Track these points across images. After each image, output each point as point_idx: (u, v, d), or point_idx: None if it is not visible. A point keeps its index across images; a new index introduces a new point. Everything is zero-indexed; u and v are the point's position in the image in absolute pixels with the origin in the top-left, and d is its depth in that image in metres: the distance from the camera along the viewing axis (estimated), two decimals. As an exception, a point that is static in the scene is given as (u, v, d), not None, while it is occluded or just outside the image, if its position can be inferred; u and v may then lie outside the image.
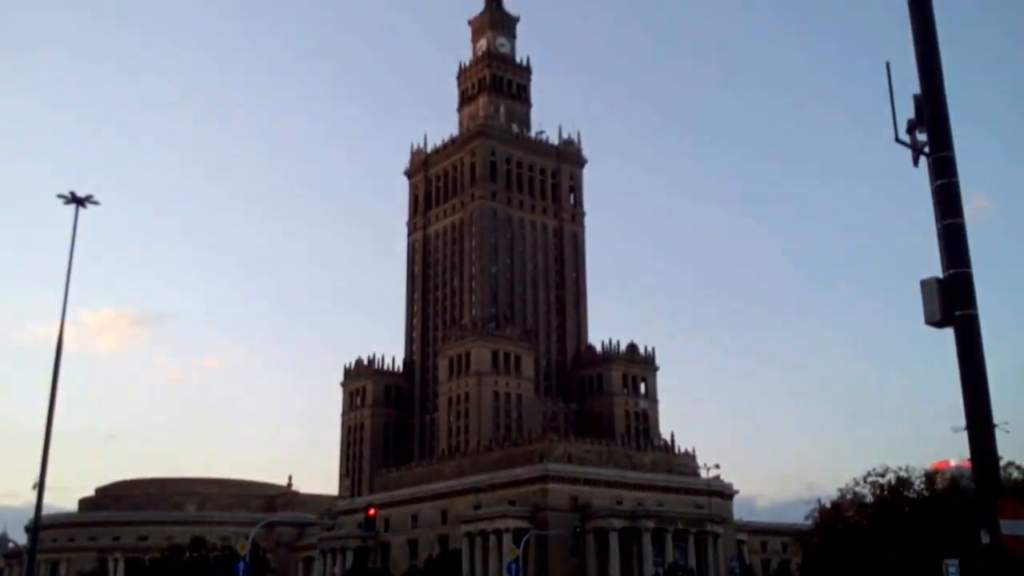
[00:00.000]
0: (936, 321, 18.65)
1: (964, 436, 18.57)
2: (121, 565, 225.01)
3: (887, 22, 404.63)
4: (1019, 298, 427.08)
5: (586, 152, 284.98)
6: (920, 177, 19.36)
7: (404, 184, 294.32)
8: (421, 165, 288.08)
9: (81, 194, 52.94)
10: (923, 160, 19.31)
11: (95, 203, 53.11)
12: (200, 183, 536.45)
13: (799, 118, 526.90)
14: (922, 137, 19.29)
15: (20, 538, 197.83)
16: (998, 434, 18.42)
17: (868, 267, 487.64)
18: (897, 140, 19.28)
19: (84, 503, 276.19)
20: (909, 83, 19.34)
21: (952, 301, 18.47)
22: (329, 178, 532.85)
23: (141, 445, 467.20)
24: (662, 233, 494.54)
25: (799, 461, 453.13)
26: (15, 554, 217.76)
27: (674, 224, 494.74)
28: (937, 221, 18.92)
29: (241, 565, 73.12)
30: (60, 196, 52.93)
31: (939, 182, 18.98)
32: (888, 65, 19.50)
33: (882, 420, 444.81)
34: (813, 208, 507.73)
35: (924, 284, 18.89)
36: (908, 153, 19.34)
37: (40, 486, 50.33)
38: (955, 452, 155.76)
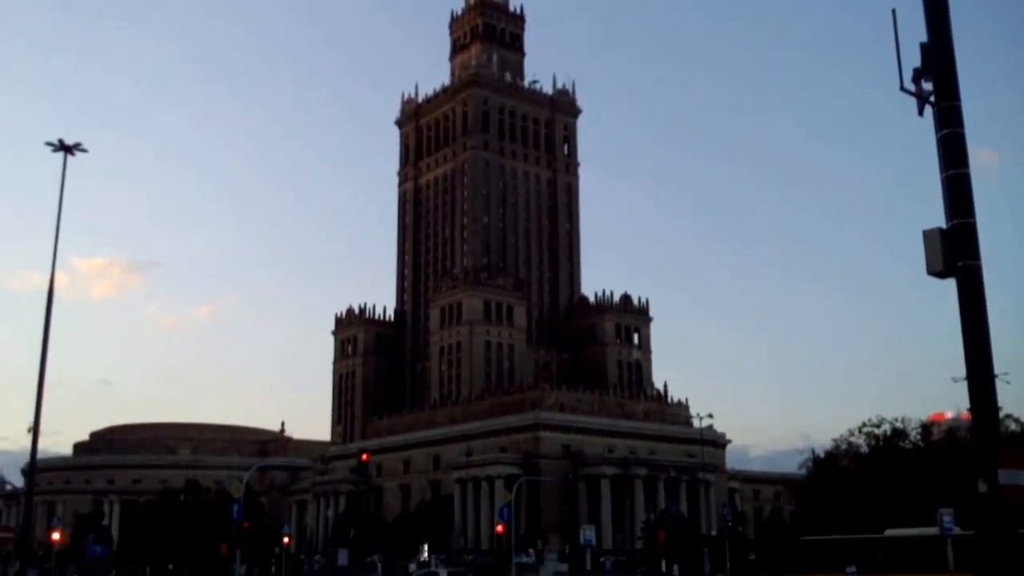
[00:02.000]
0: (938, 271, 18.40)
1: (962, 387, 18.43)
2: (117, 507, 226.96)
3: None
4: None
5: (580, 102, 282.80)
6: (925, 127, 19.15)
7: (395, 134, 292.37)
8: (412, 115, 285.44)
9: (70, 142, 52.19)
10: (928, 110, 19.04)
11: (83, 151, 52.28)
12: (189, 130, 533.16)
13: (801, 66, 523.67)
14: (928, 86, 19.02)
15: (16, 480, 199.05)
16: (998, 385, 18.37)
17: (866, 216, 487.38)
18: (902, 88, 18.98)
19: (78, 447, 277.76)
20: (916, 31, 19.06)
21: (955, 251, 18.24)
22: (320, 127, 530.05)
23: (135, 391, 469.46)
24: (657, 183, 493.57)
25: (794, 412, 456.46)
26: (12, 495, 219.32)
27: (669, 173, 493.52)
28: (941, 171, 18.68)
29: (236, 508, 73.44)
30: (48, 144, 52.14)
31: (944, 131, 18.70)
32: (894, 12, 19.18)
33: (878, 371, 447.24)
34: (812, 157, 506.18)
35: (927, 234, 18.61)
36: (913, 102, 19.07)
37: (35, 429, 50.24)
38: (952, 404, 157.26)
